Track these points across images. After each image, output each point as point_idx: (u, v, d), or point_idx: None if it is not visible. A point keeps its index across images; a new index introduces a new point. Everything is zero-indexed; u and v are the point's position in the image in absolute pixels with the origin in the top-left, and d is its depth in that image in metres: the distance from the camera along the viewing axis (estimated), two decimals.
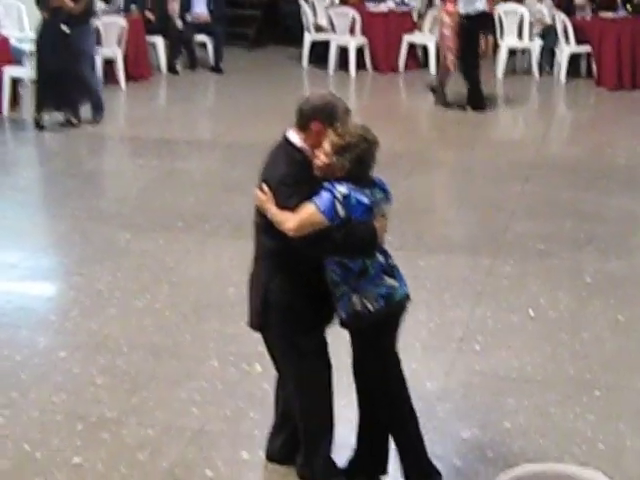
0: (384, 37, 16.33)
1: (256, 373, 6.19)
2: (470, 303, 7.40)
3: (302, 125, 4.88)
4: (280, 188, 4.76)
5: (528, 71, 15.93)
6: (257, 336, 6.45)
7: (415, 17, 16.84)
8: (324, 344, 5.03)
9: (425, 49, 16.35)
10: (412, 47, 16.42)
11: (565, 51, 14.81)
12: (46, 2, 11.60)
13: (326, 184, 4.74)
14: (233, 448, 5.23)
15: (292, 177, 4.82)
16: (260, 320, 5.05)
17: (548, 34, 15.30)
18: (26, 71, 13.01)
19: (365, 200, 4.76)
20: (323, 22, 16.73)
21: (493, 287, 7.85)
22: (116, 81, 14.84)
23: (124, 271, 7.76)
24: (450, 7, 12.90)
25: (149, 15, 16.02)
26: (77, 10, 11.74)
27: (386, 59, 16.38)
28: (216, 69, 16.64)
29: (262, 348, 6.22)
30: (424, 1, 17.27)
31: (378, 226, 4.79)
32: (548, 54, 15.49)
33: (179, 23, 16.61)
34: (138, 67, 15.50)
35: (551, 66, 15.39)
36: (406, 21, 16.59)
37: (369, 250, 4.82)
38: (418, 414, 5.21)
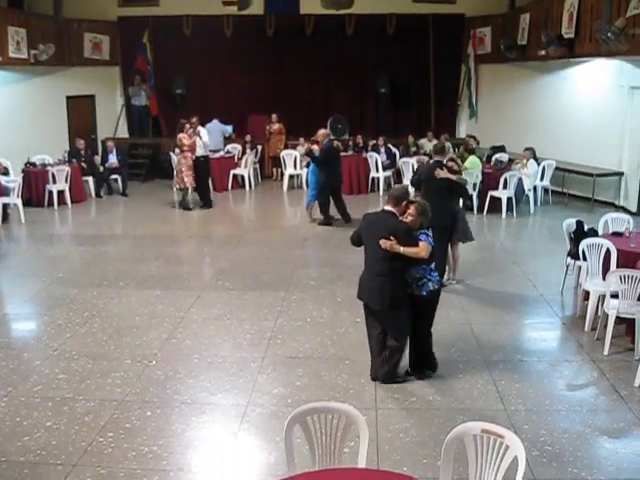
0: (218, 172, 20.23)
1: None
2: (274, 317, 9.02)
3: (397, 203, 6.69)
4: (407, 235, 6.54)
5: None
6: None
7: (236, 159, 21.13)
8: (409, 313, 6.80)
9: (242, 178, 20.56)
10: (235, 177, 20.88)
11: None
12: None
13: (421, 231, 6.61)
14: None
15: (408, 229, 6.60)
16: (387, 307, 6.75)
17: None
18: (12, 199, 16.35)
19: (430, 235, 6.69)
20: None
21: (286, 307, 9.55)
22: (65, 203, 18.19)
23: None
24: None
25: (83, 165, 19.61)
26: None
27: (219, 183, 20.39)
28: (123, 194, 19.98)
29: None
30: (240, 150, 21.53)
31: None
32: None
33: (101, 168, 20.08)
34: (78, 194, 18.99)
35: None
36: (231, 161, 21.11)
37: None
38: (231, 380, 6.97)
